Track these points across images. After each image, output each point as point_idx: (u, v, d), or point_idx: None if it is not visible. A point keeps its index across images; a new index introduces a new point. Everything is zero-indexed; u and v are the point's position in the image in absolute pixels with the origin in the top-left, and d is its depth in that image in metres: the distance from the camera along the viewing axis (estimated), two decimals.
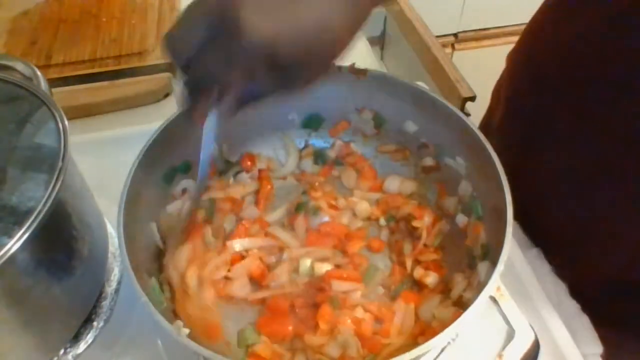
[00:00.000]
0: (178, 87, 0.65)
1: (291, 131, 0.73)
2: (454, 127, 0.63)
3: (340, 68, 0.67)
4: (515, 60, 0.79)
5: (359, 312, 0.58)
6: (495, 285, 0.49)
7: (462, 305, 0.56)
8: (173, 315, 0.56)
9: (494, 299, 0.49)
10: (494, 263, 0.51)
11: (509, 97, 0.79)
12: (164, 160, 0.64)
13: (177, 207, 0.66)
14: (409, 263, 0.64)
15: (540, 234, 0.73)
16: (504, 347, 0.47)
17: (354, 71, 0.67)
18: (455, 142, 0.64)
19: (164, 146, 0.62)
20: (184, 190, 0.67)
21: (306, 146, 0.74)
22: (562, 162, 0.69)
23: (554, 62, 0.68)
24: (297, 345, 0.58)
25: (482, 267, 0.56)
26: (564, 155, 0.69)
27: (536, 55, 0.72)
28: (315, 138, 0.74)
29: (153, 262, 0.60)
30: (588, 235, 0.69)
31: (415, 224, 0.66)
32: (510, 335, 0.48)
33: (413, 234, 0.66)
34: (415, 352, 0.45)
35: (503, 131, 0.79)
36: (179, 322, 0.52)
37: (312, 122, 0.73)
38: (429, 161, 0.69)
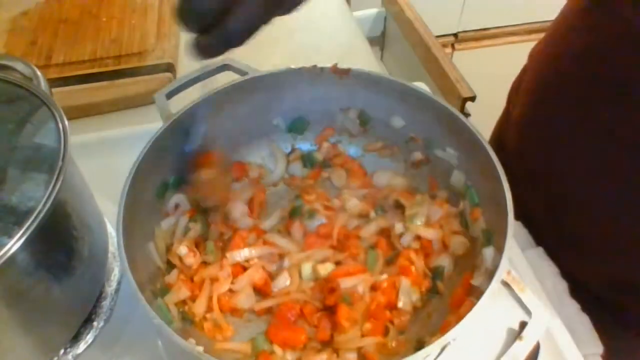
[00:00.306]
0: (160, 100, 0.65)
1: (277, 137, 0.73)
2: (442, 118, 0.63)
3: (322, 69, 0.67)
4: (539, 58, 0.78)
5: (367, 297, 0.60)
6: (505, 269, 0.49)
7: (473, 292, 0.56)
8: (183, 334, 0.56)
9: (506, 284, 0.49)
10: (498, 248, 0.51)
11: (530, 95, 0.78)
12: (155, 177, 0.63)
13: (171, 223, 0.65)
14: (398, 244, 0.65)
15: (552, 232, 0.73)
16: (522, 329, 0.47)
17: (337, 71, 0.67)
18: (444, 133, 0.64)
19: (153, 163, 0.61)
20: (177, 206, 0.66)
21: (293, 150, 0.74)
22: (580, 161, 0.69)
23: (579, 60, 0.68)
24: (312, 346, 0.58)
25: (487, 252, 0.56)
26: (579, 155, 0.69)
27: (562, 53, 0.72)
28: (301, 142, 0.74)
29: (155, 283, 0.60)
30: (598, 234, 0.69)
31: (402, 201, 0.66)
32: (527, 317, 0.49)
33: (403, 215, 0.66)
34: (433, 346, 0.46)
35: (522, 128, 0.79)
36: (192, 340, 0.53)
37: (297, 126, 0.73)
38: (418, 155, 0.69)
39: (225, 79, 0.67)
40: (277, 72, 0.67)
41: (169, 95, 0.65)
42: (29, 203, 0.46)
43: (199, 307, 0.59)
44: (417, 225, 0.64)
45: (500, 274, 0.49)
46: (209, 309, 0.60)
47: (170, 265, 0.63)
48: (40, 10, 1.02)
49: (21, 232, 0.44)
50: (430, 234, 0.63)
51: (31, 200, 0.46)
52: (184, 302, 0.60)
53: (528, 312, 0.48)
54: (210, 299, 0.60)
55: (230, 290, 0.62)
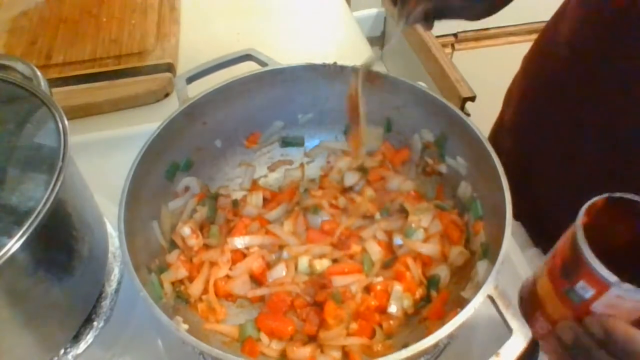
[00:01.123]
0: (180, 83, 0.65)
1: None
2: (455, 127, 0.63)
3: (342, 68, 0.67)
4: (529, 60, 0.78)
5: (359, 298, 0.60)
6: (493, 284, 0.49)
7: (461, 304, 0.56)
8: (173, 312, 0.56)
9: (491, 298, 0.49)
10: (492, 262, 0.51)
11: (520, 97, 0.79)
12: (166, 157, 0.64)
13: (179, 204, 0.66)
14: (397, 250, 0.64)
15: (545, 233, 0.73)
16: (500, 346, 0.47)
17: (367, 76, 0.67)
18: (456, 142, 0.64)
19: (165, 143, 0.62)
20: (187, 188, 0.67)
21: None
22: (571, 162, 0.69)
23: (565, 62, 0.68)
24: (298, 338, 0.58)
25: (481, 265, 0.56)
26: (569, 155, 0.69)
27: (549, 55, 0.72)
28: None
29: (154, 259, 0.60)
30: None
31: (405, 205, 0.66)
32: (507, 334, 0.49)
33: (406, 220, 0.66)
34: (415, 347, 0.45)
35: (514, 132, 0.79)
36: (179, 318, 0.53)
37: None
38: (430, 161, 0.69)
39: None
40: (296, 67, 0.67)
41: (190, 80, 0.66)
42: (29, 203, 0.46)
43: (195, 289, 0.60)
44: (415, 241, 0.63)
45: (487, 288, 0.49)
46: (205, 291, 0.61)
47: (174, 246, 0.63)
48: (40, 10, 1.02)
49: (21, 232, 0.44)
50: (428, 249, 0.63)
51: (31, 200, 0.46)
52: (181, 282, 0.61)
53: (509, 329, 0.48)
54: (207, 281, 0.61)
55: (228, 276, 0.62)
